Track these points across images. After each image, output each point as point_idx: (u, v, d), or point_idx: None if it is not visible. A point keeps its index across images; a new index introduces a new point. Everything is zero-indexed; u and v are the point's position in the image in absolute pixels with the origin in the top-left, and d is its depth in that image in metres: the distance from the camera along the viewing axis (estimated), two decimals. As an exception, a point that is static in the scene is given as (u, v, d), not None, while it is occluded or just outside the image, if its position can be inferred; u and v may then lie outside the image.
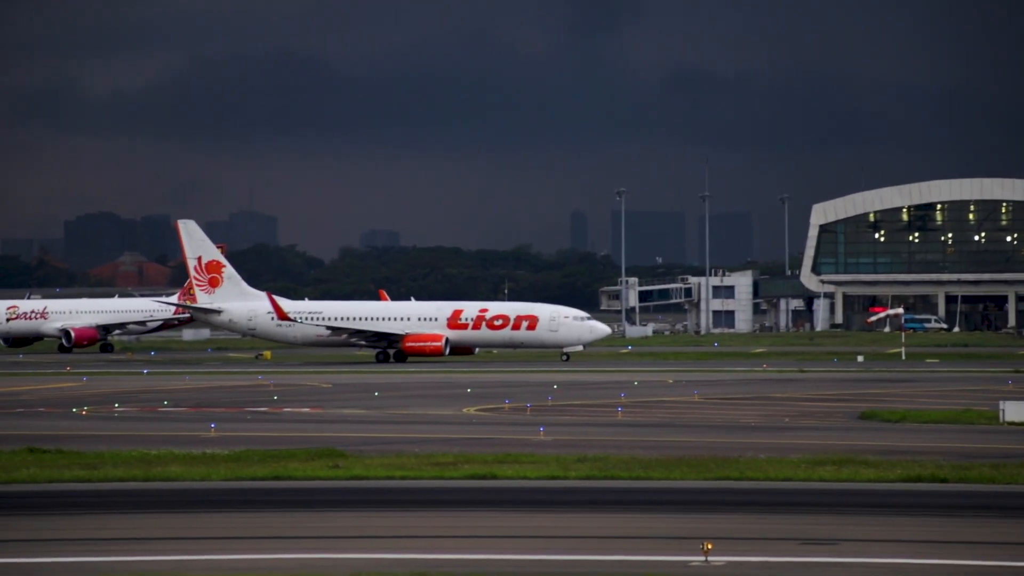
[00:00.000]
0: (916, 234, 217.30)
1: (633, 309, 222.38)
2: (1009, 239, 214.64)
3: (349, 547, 31.54)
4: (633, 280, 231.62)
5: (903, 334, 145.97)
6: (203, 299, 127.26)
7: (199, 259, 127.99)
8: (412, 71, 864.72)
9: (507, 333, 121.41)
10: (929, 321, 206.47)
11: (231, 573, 28.97)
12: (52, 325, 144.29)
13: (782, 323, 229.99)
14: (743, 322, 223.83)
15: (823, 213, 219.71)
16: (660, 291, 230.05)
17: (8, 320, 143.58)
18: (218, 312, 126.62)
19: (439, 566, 29.36)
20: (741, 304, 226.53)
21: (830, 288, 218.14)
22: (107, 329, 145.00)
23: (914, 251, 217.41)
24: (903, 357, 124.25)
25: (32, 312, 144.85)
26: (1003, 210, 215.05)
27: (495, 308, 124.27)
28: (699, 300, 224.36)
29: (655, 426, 60.81)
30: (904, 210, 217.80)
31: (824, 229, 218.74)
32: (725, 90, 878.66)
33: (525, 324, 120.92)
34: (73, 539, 32.83)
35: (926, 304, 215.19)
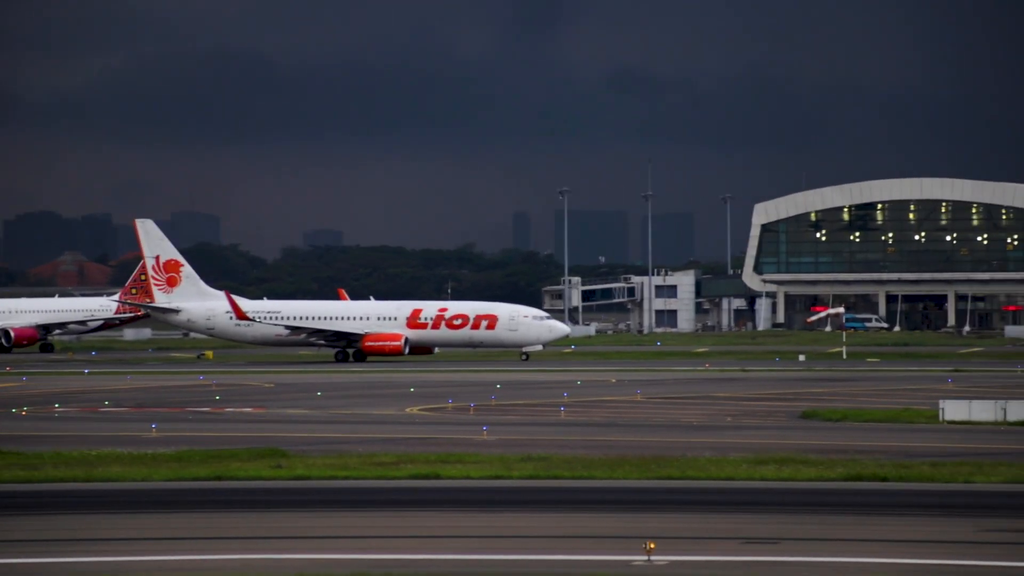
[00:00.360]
0: (857, 234, 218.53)
1: (576, 308, 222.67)
2: (948, 239, 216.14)
3: (292, 547, 31.45)
4: (576, 280, 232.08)
5: (844, 333, 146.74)
6: (161, 298, 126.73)
7: (157, 258, 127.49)
8: (354, 70, 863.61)
9: (466, 332, 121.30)
10: (870, 320, 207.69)
11: (172, 574, 28.84)
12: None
13: (724, 322, 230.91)
14: (686, 321, 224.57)
15: (765, 213, 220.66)
16: (603, 290, 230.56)
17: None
18: (176, 311, 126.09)
19: (382, 566, 29.32)
20: (684, 303, 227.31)
21: (772, 288, 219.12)
22: (47, 329, 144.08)
23: (855, 250, 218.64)
24: (844, 356, 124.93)
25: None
26: (943, 210, 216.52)
27: (454, 308, 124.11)
28: (642, 300, 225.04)
29: (598, 425, 60.93)
30: (845, 210, 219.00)
31: (766, 229, 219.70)
32: (667, 90, 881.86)
33: (484, 324, 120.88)
34: (12, 540, 32.60)
35: (867, 303, 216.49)
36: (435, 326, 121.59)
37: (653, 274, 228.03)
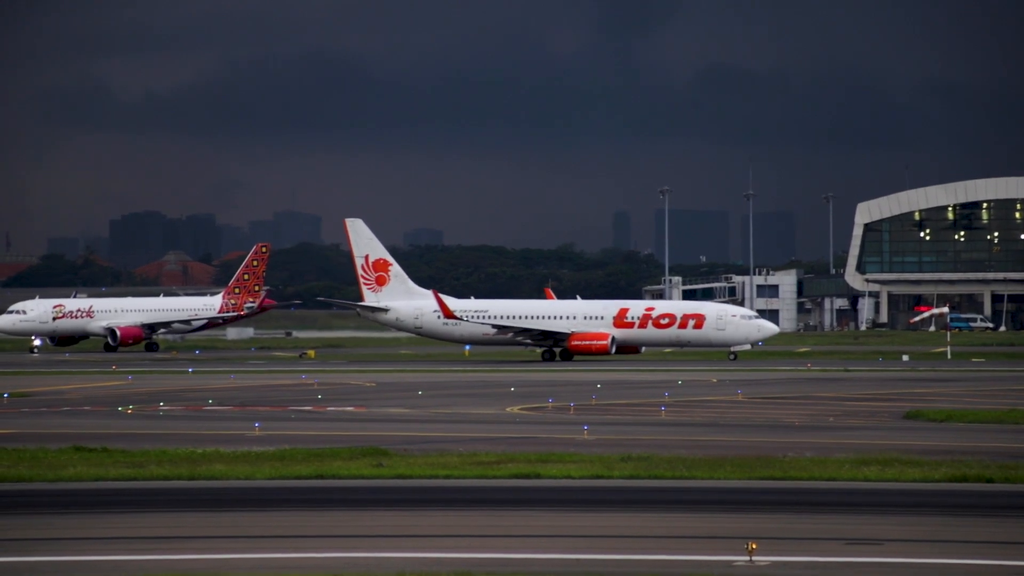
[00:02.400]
0: (962, 233, 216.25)
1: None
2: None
3: (393, 546, 31.57)
4: (677, 279, 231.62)
5: (948, 333, 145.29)
6: (370, 298, 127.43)
7: (366, 257, 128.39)
8: (451, 71, 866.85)
9: (673, 332, 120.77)
10: (975, 320, 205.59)
11: (274, 572, 29.03)
12: (98, 324, 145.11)
13: (826, 322, 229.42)
14: (787, 321, 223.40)
15: (868, 212, 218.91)
16: (704, 290, 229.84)
17: (54, 319, 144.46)
18: (385, 311, 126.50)
19: (483, 565, 29.35)
20: (785, 303, 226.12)
21: (875, 287, 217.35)
22: (152, 328, 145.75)
23: (960, 250, 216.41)
24: (949, 356, 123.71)
25: (78, 311, 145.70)
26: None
27: (661, 307, 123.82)
28: (743, 299, 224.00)
29: (699, 425, 60.70)
30: (950, 209, 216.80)
31: (869, 228, 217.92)
32: (767, 88, 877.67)
33: (692, 323, 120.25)
34: (117, 537, 32.98)
35: (972, 303, 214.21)
36: (642, 325, 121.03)
37: (754, 273, 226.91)
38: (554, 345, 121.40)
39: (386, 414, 67.18)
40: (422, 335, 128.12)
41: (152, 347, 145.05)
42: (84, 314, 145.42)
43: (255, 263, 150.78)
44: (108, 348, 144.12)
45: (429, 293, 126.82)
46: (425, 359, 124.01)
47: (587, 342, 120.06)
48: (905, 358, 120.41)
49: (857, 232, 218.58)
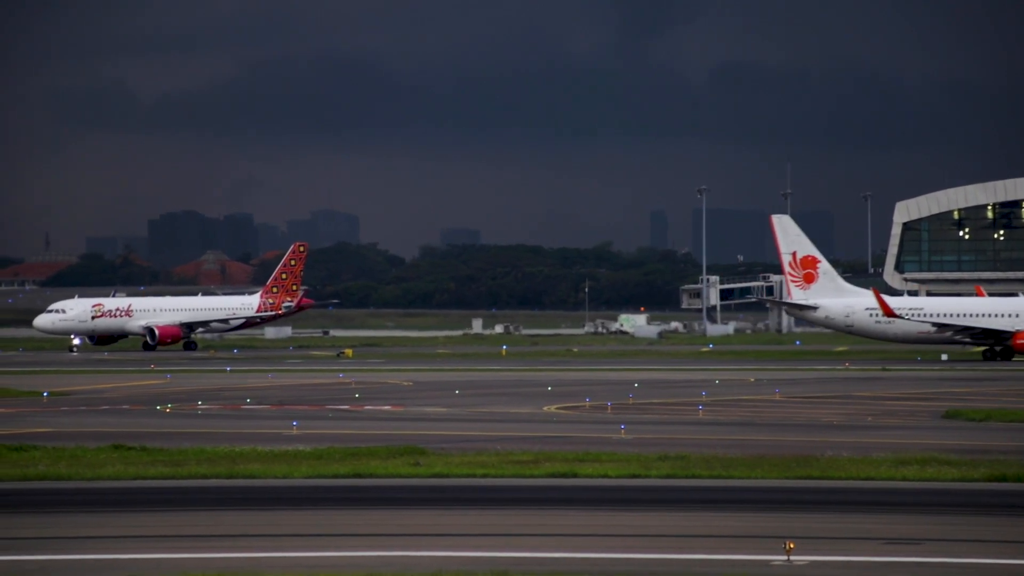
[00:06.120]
0: (1001, 232, 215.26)
1: (714, 307, 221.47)
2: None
3: (430, 545, 31.60)
4: (714, 278, 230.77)
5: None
6: (798, 295, 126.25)
7: (793, 254, 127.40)
8: (475, 72, 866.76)
9: None
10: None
11: (311, 571, 29.09)
12: (136, 323, 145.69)
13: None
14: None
15: (906, 211, 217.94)
16: (741, 289, 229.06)
17: (93, 318, 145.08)
18: (813, 308, 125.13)
19: (520, 564, 29.34)
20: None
21: (914, 286, 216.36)
22: (191, 327, 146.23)
23: (999, 249, 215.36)
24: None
25: (117, 310, 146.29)
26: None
27: None
28: (781, 298, 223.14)
29: (736, 425, 60.56)
30: (989, 207, 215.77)
31: (907, 227, 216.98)
32: (801, 88, 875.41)
33: None
34: (157, 536, 33.09)
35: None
36: None
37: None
38: (995, 344, 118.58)
39: (423, 413, 67.23)
40: (852, 333, 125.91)
41: (190, 346, 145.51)
42: (123, 313, 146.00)
43: (293, 262, 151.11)
44: (147, 347, 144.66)
45: (859, 291, 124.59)
46: (461, 358, 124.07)
47: None
48: (944, 357, 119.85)
49: (895, 231, 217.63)
